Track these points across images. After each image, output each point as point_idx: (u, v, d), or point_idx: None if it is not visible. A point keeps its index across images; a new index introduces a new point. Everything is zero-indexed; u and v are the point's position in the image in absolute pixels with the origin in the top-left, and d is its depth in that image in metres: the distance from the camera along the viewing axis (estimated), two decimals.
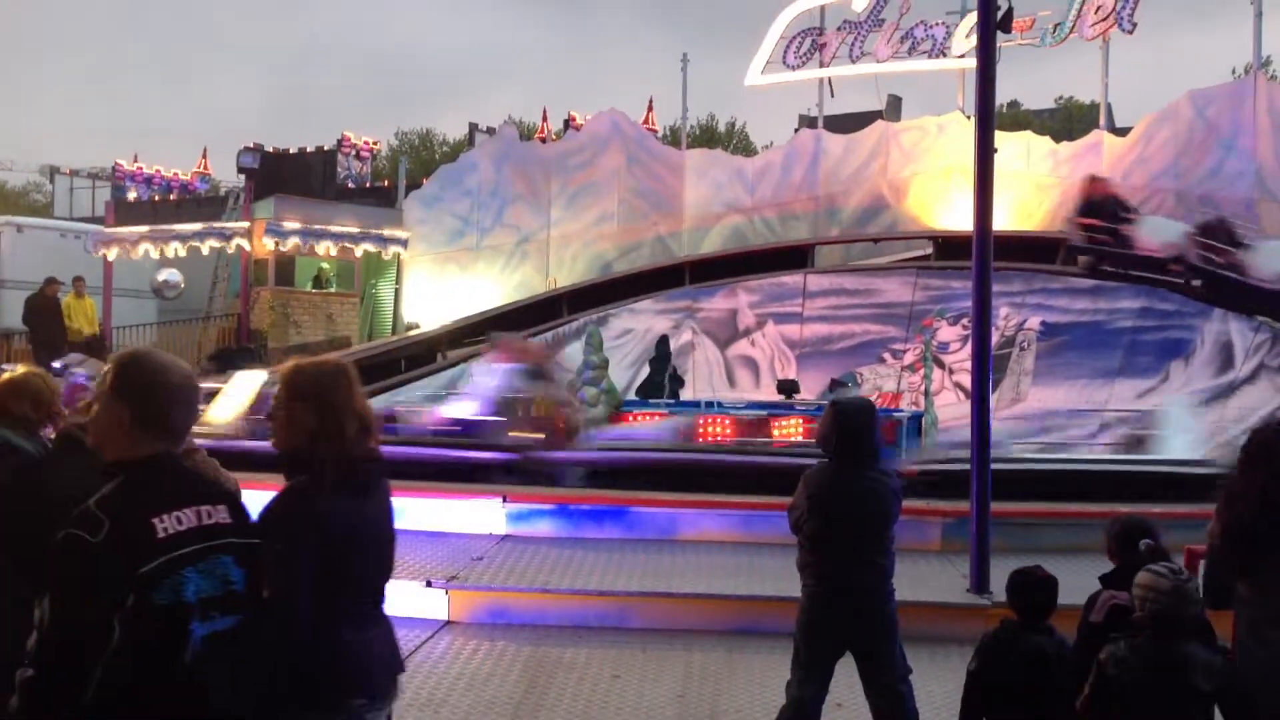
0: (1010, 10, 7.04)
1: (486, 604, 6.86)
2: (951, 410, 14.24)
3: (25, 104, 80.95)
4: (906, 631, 4.51)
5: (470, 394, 11.82)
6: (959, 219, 16.82)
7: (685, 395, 15.80)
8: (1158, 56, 47.21)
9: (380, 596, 2.81)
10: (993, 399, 10.36)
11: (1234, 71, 33.03)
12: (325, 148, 24.49)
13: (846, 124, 20.70)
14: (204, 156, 28.18)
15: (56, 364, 12.21)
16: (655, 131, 24.05)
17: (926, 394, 14.00)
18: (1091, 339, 15.39)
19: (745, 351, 17.21)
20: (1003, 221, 14.94)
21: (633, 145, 19.93)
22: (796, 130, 23.20)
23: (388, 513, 2.86)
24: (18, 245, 20.63)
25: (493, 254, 20.03)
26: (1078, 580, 4.28)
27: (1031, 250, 16.28)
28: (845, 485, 4.36)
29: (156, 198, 25.01)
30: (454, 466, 9.50)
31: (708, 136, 40.27)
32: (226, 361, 16.30)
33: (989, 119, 6.93)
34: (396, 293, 20.96)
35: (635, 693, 5.57)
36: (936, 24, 18.88)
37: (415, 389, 15.68)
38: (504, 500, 8.54)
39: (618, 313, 17.54)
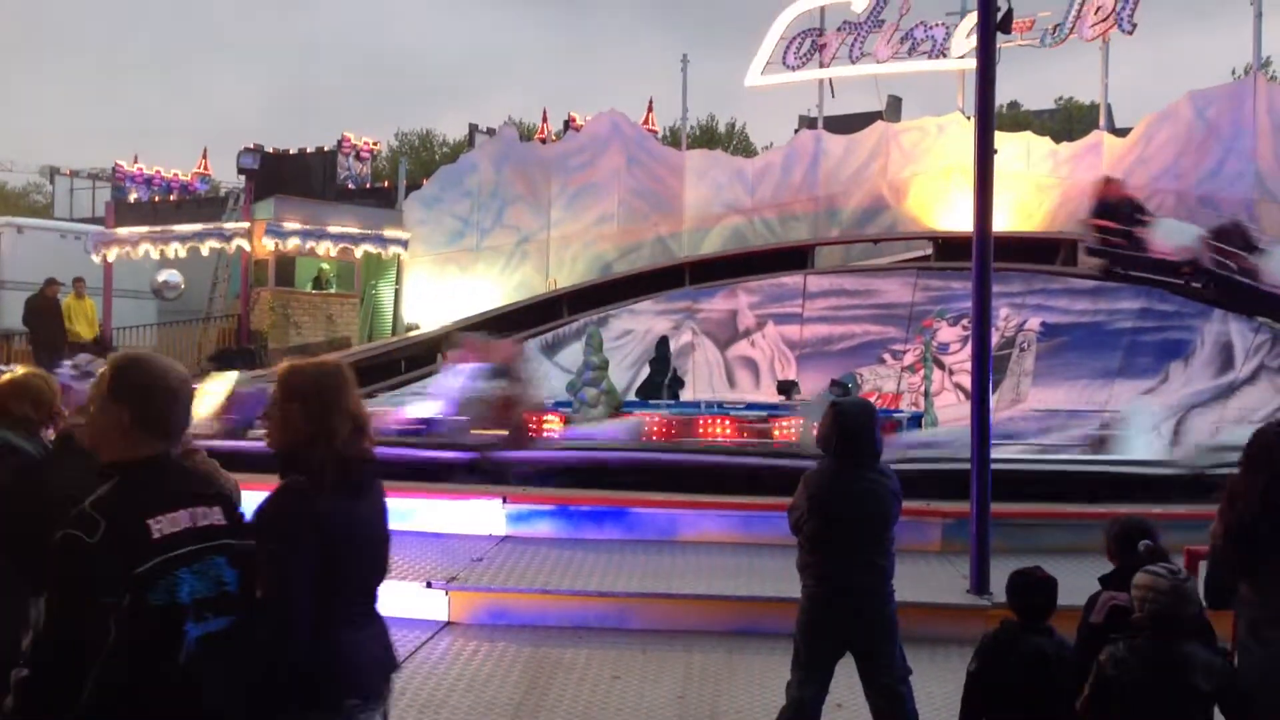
0: (1010, 11, 7.04)
1: (486, 605, 6.86)
2: (951, 411, 14.21)
3: (25, 104, 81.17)
4: (906, 632, 4.51)
5: (434, 393, 11.84)
6: (959, 219, 16.82)
7: (685, 396, 15.78)
8: (1158, 57, 47.38)
9: (374, 596, 2.82)
10: (993, 400, 10.34)
11: (1234, 72, 33.06)
12: (325, 148, 24.47)
13: (846, 124, 20.67)
14: (204, 157, 28.14)
15: (67, 363, 12.17)
16: (655, 132, 24.04)
17: (926, 395, 14.01)
18: (1091, 340, 15.37)
19: (745, 352, 17.20)
20: (1003, 222, 14.96)
21: (633, 146, 19.93)
22: (796, 131, 23.20)
23: (382, 513, 2.87)
24: (18, 246, 20.66)
25: (493, 255, 20.04)
26: (1077, 581, 4.28)
27: (1031, 251, 16.28)
28: (845, 486, 4.36)
29: (157, 198, 24.97)
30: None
31: (708, 137, 40.25)
32: (226, 362, 16.27)
33: (989, 119, 6.93)
34: (396, 293, 20.97)
35: (635, 693, 5.56)
36: (936, 25, 18.87)
37: (415, 390, 15.66)
38: (504, 501, 8.53)
39: (618, 313, 17.55)
